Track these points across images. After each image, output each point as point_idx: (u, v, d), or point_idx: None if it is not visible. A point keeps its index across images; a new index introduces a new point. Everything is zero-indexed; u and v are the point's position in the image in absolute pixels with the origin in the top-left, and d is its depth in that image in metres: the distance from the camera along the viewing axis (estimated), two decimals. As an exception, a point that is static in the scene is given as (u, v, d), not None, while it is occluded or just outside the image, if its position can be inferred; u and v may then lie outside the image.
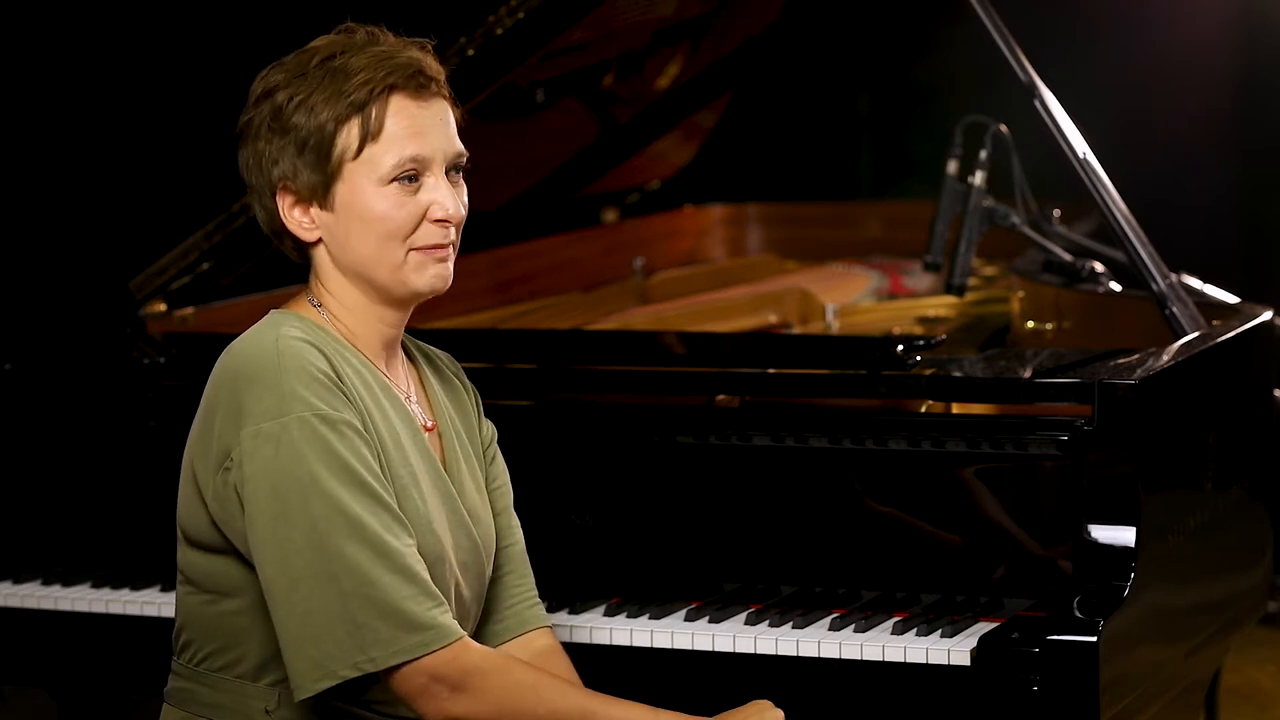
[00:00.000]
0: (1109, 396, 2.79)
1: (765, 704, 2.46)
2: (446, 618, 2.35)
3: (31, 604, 3.22)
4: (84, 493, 3.34)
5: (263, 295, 3.75)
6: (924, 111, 6.37)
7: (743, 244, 5.10)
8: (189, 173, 5.13)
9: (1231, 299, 3.60)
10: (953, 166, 3.73)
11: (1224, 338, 3.20)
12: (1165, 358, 2.98)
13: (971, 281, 3.91)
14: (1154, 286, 3.29)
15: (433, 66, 2.46)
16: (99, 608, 3.17)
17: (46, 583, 3.26)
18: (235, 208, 3.55)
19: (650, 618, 2.89)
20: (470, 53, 3.48)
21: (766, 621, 2.84)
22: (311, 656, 2.31)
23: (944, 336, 3.20)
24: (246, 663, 2.43)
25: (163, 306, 3.64)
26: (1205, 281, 3.64)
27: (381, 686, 2.39)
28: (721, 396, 3.07)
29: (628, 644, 2.85)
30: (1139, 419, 2.80)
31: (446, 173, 2.46)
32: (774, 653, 2.79)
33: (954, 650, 2.71)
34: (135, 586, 3.19)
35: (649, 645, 2.85)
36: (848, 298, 4.24)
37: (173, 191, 5.13)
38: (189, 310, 3.68)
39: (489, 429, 2.68)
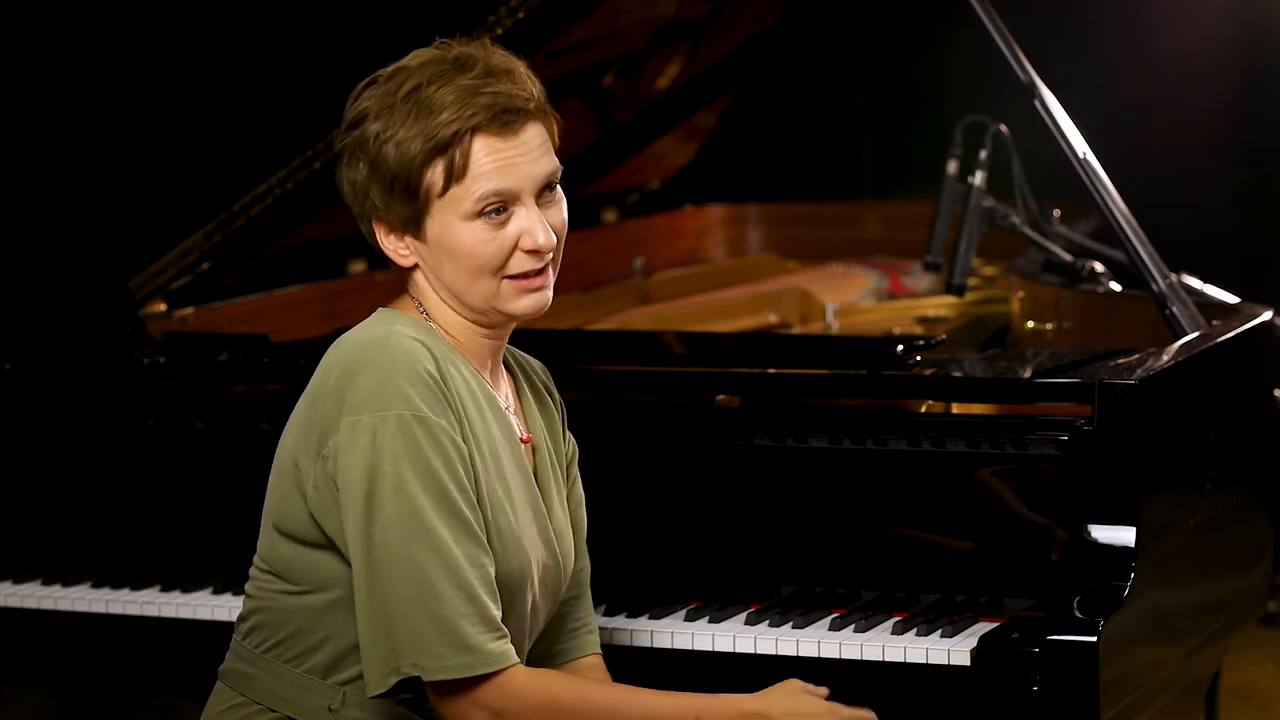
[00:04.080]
0: (1109, 396, 2.79)
1: (797, 683, 2.47)
2: (499, 645, 2.35)
3: (31, 604, 3.22)
4: (84, 493, 3.34)
5: (263, 295, 3.75)
6: (924, 111, 6.37)
7: (743, 244, 5.10)
8: (189, 173, 5.13)
9: (1231, 299, 3.60)
10: (953, 166, 3.73)
11: (1224, 338, 3.20)
12: (1165, 358, 2.98)
13: (971, 281, 3.91)
14: (1154, 286, 3.29)
15: (520, 96, 2.43)
16: (99, 608, 3.17)
17: (46, 583, 3.26)
18: (235, 208, 3.55)
19: (650, 618, 2.89)
20: (470, 53, 3.47)
21: (766, 621, 2.84)
22: (378, 644, 2.34)
23: (944, 336, 3.20)
24: (319, 658, 2.44)
25: (163, 306, 3.64)
26: (1205, 281, 3.64)
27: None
28: (721, 396, 3.07)
29: (628, 644, 2.85)
30: (1139, 419, 2.80)
31: (540, 194, 2.45)
32: (774, 653, 2.79)
33: (954, 650, 2.71)
34: (135, 586, 3.19)
35: (649, 645, 2.85)
36: (848, 298, 4.24)
37: (173, 191, 5.13)
38: (189, 310, 3.67)
39: (571, 445, 2.69)
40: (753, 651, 2.80)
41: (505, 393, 2.55)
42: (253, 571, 2.51)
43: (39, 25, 5.21)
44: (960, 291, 3.74)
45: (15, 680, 3.42)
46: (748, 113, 5.14)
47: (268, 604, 2.48)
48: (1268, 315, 3.40)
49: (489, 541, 2.40)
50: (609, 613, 2.93)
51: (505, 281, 2.45)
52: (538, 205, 2.44)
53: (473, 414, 2.43)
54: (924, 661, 2.72)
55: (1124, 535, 2.77)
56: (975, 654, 2.71)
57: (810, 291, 4.14)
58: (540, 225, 2.44)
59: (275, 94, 5.21)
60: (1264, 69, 5.98)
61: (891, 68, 6.55)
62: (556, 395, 2.68)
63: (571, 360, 3.22)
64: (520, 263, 2.44)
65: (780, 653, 2.79)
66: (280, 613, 2.46)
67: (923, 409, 3.01)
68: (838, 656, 2.76)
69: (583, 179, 4.52)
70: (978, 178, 3.69)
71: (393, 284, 4.04)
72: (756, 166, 6.33)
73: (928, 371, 2.97)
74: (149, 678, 3.22)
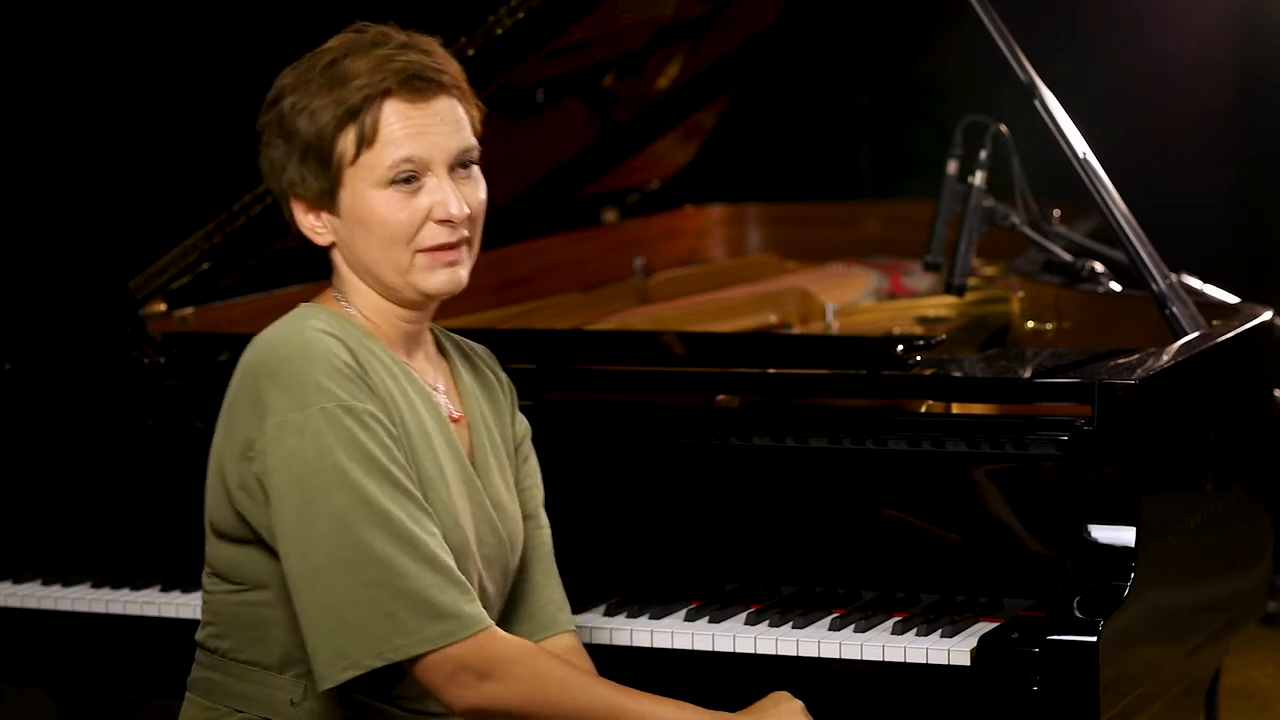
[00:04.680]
0: (1109, 396, 2.79)
1: (784, 695, 2.48)
2: (473, 606, 2.36)
3: (31, 604, 3.22)
4: (84, 493, 3.34)
5: (263, 295, 3.75)
6: (924, 111, 6.37)
7: (743, 244, 5.10)
8: (189, 173, 5.13)
9: (1231, 299, 3.60)
10: (953, 166, 3.73)
11: (1224, 338, 3.20)
12: (1165, 358, 2.98)
13: (971, 281, 3.91)
14: (1154, 286, 3.29)
15: (432, 67, 2.45)
16: (99, 608, 3.17)
17: (46, 583, 3.26)
18: (235, 208, 3.55)
19: (650, 618, 2.89)
20: (470, 53, 3.47)
21: (766, 621, 2.84)
22: (336, 646, 2.32)
23: (944, 336, 3.20)
24: (272, 654, 2.44)
25: (163, 306, 3.64)
26: (1205, 281, 3.64)
27: (408, 681, 2.40)
28: (721, 396, 3.07)
29: (628, 644, 2.85)
30: (1139, 419, 2.80)
31: (454, 169, 2.46)
32: (774, 653, 2.79)
33: (954, 650, 2.71)
34: (135, 586, 3.19)
35: (649, 645, 2.85)
36: (848, 298, 4.24)
37: (173, 191, 5.13)
38: (189, 310, 3.67)
39: (523, 425, 2.69)
40: (753, 651, 2.80)
41: (430, 374, 2.55)
42: (204, 577, 2.52)
43: (39, 25, 5.21)
44: (960, 291, 3.74)
45: (15, 680, 3.42)
46: (748, 113, 5.14)
47: (218, 607, 2.48)
48: (1268, 315, 3.40)
49: None
50: (609, 613, 2.93)
51: (418, 255, 2.45)
52: (453, 180, 2.45)
53: (396, 396, 2.44)
54: (924, 661, 2.72)
55: (1124, 535, 2.77)
56: (975, 654, 2.71)
57: (810, 291, 4.14)
58: (453, 196, 2.44)
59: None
60: (1264, 69, 5.99)
61: (891, 68, 6.55)
62: (503, 377, 2.69)
63: (571, 360, 3.22)
64: (432, 234, 2.45)
65: (780, 653, 2.79)
66: (230, 614, 2.47)
67: (923, 409, 3.01)
68: (838, 656, 2.76)
69: (583, 179, 4.52)
70: (978, 178, 3.69)
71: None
72: (756, 166, 6.33)
73: (928, 371, 2.97)
74: (149, 678, 3.22)
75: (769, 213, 5.14)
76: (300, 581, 2.34)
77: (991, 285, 4.30)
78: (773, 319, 4.07)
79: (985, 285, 4.29)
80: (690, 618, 2.88)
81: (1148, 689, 2.86)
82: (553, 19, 3.54)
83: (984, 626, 2.78)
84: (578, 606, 2.93)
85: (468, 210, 2.46)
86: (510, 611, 2.63)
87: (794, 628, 2.82)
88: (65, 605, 3.19)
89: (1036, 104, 3.35)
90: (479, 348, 2.69)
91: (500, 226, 4.35)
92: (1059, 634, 2.67)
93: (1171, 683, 3.00)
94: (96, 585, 3.23)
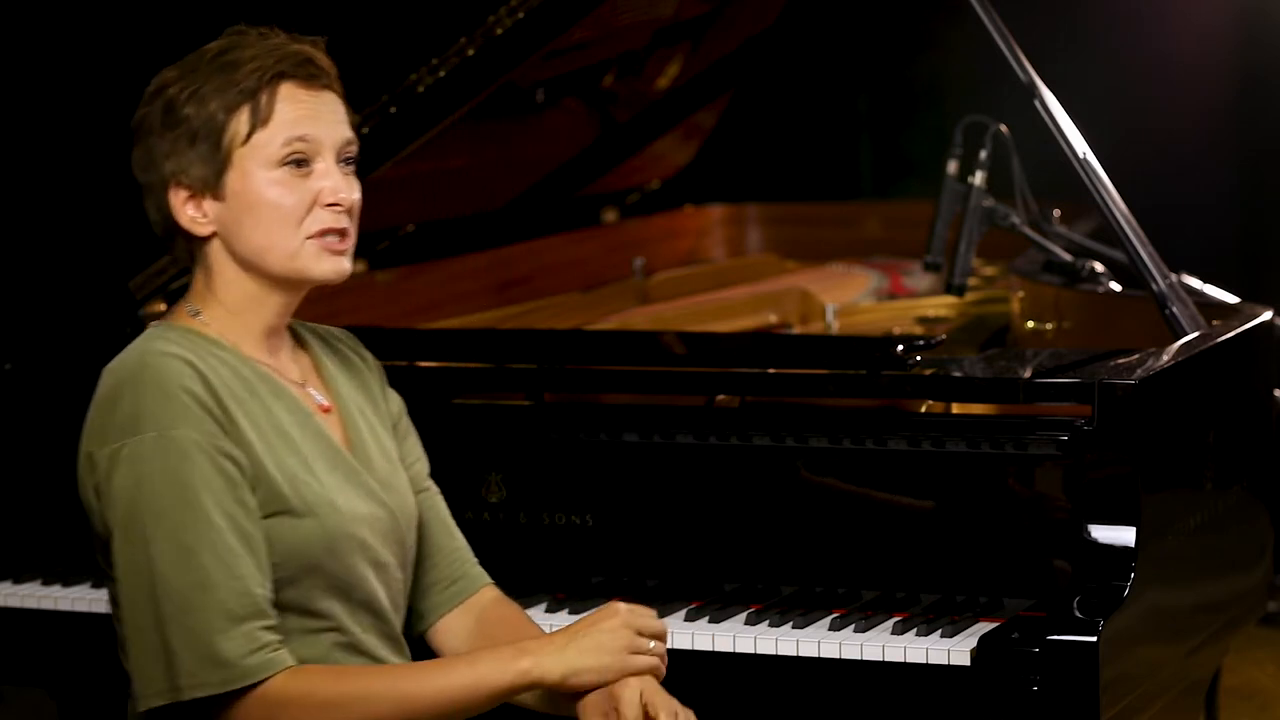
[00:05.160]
0: (1109, 396, 2.79)
1: (612, 608, 2.44)
2: (255, 659, 2.34)
3: (31, 604, 3.22)
4: (84, 493, 3.33)
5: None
6: (924, 111, 6.37)
7: (743, 244, 5.10)
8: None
9: (1231, 299, 3.60)
10: (953, 166, 3.73)
11: (1224, 338, 3.20)
12: (1165, 358, 2.98)
13: (971, 281, 3.91)
14: (1154, 286, 3.29)
15: (323, 59, 2.49)
16: (99, 608, 3.17)
17: (46, 583, 3.26)
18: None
19: (650, 618, 2.89)
20: (470, 53, 3.48)
21: (766, 621, 2.84)
22: (136, 675, 2.36)
23: (944, 336, 3.20)
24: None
25: (163, 306, 3.64)
26: (1205, 281, 3.64)
27: None
28: (721, 396, 3.07)
29: (628, 644, 2.84)
30: (1139, 419, 2.80)
31: (339, 162, 2.47)
32: (774, 653, 2.79)
33: (954, 650, 2.71)
34: (135, 586, 3.19)
35: (649, 645, 2.84)
36: (848, 298, 4.24)
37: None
38: (189, 310, 3.67)
39: (396, 402, 2.68)
40: (753, 651, 2.80)
41: (293, 369, 2.54)
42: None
43: (39, 25, 5.21)
44: (960, 291, 3.74)
45: (15, 680, 3.42)
46: (748, 113, 5.14)
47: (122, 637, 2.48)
48: (1268, 315, 3.40)
49: (298, 517, 2.41)
50: (609, 613, 2.92)
51: (307, 241, 2.45)
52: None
53: (247, 404, 2.43)
54: (924, 661, 2.72)
55: (1124, 535, 2.77)
56: (975, 654, 2.71)
57: (810, 291, 4.14)
58: (343, 181, 2.46)
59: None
60: (1264, 69, 5.99)
61: (891, 68, 6.55)
62: (369, 357, 2.68)
63: (571, 360, 3.22)
64: (320, 219, 2.45)
65: (780, 653, 2.79)
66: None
67: (923, 409, 3.01)
68: (838, 656, 2.76)
69: (583, 179, 4.52)
70: (978, 178, 3.69)
71: (393, 284, 4.07)
72: (756, 166, 6.33)
73: (928, 371, 2.97)
74: (149, 678, 3.21)
75: (769, 213, 5.14)
76: (120, 609, 2.37)
77: (991, 285, 4.30)
78: (773, 319, 4.07)
79: (985, 285, 4.29)
80: (690, 618, 2.88)
81: (1148, 689, 2.86)
82: (553, 19, 3.55)
83: (984, 626, 2.78)
84: (578, 607, 2.93)
85: (356, 196, 2.48)
86: (428, 581, 2.63)
87: (794, 628, 2.82)
88: (65, 605, 3.19)
89: (1036, 104, 3.35)
90: (338, 332, 2.68)
91: (500, 226, 4.36)
92: (1059, 634, 2.67)
93: (1171, 683, 3.00)
94: (96, 585, 3.22)
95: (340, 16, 5.49)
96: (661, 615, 2.89)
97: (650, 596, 2.97)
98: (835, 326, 3.91)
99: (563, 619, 2.89)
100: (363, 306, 3.97)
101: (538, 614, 2.93)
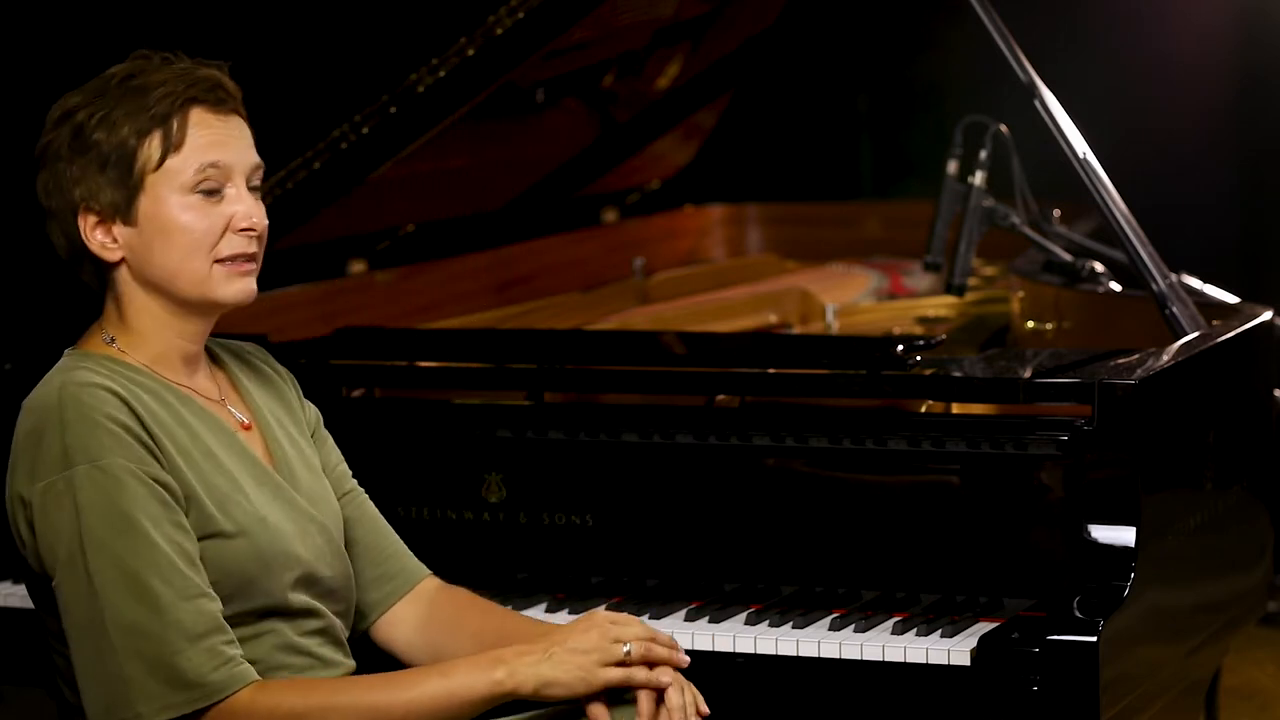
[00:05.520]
0: (1109, 396, 2.79)
1: (593, 616, 2.45)
2: (219, 674, 2.33)
3: (31, 604, 3.21)
4: (84, 493, 3.33)
5: (263, 295, 3.74)
6: (924, 111, 6.37)
7: (743, 244, 5.10)
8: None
9: (1231, 299, 3.60)
10: (953, 166, 3.73)
11: (1224, 338, 3.20)
12: (1165, 358, 2.98)
13: (971, 281, 3.91)
14: (1154, 286, 3.29)
15: (230, 84, 2.49)
16: (99, 608, 3.16)
17: (46, 583, 3.26)
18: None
19: (650, 618, 2.89)
20: (470, 53, 3.48)
21: (766, 621, 2.84)
22: (94, 707, 2.34)
23: (944, 336, 3.20)
24: None
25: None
26: (1205, 281, 3.64)
27: None
28: (721, 396, 3.07)
29: (628, 644, 2.84)
30: (1139, 419, 2.80)
31: (248, 188, 2.48)
32: (774, 653, 2.79)
33: (954, 650, 2.71)
34: (135, 586, 3.19)
35: (649, 645, 2.84)
36: (848, 298, 4.24)
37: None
38: (189, 310, 3.66)
39: (312, 412, 2.69)
40: (753, 651, 2.80)
41: (211, 389, 2.54)
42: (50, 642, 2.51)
43: (39, 26, 5.21)
44: (960, 291, 3.74)
45: (15, 680, 3.42)
46: (748, 113, 5.14)
47: (63, 669, 2.47)
48: (1268, 315, 3.40)
49: (228, 537, 2.40)
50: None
51: (216, 266, 2.45)
52: None
53: (173, 429, 2.42)
54: (924, 661, 2.72)
55: (1124, 535, 2.77)
56: (975, 654, 2.71)
57: (810, 291, 4.14)
58: (255, 205, 2.47)
59: (273, 95, 5.20)
60: (1264, 69, 5.98)
61: (891, 68, 6.55)
62: (281, 369, 2.69)
63: (571, 360, 3.22)
64: (232, 244, 2.45)
65: (780, 653, 2.79)
66: (71, 675, 2.43)
67: (923, 409, 3.01)
68: (838, 656, 2.76)
69: (583, 179, 4.52)
70: (978, 178, 3.69)
71: (393, 284, 4.07)
72: (756, 166, 6.33)
73: (928, 371, 2.97)
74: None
75: (769, 213, 5.14)
76: (69, 639, 2.36)
77: (991, 285, 4.30)
78: (773, 319, 4.07)
79: (985, 285, 4.29)
80: (690, 618, 2.88)
81: (1148, 689, 2.86)
82: (553, 19, 3.55)
83: (984, 626, 2.78)
84: (578, 606, 2.93)
85: (265, 222, 2.49)
86: (366, 579, 2.63)
87: (794, 628, 2.82)
88: (65, 605, 3.19)
89: (1036, 104, 3.35)
90: (249, 346, 2.69)
91: (500, 226, 4.36)
92: (1059, 634, 2.67)
93: (1171, 683, 3.00)
94: (96, 585, 3.22)
95: (341, 16, 5.50)
96: (661, 615, 2.89)
97: (650, 596, 2.97)
98: (835, 326, 3.91)
99: (563, 619, 2.89)
100: (363, 306, 3.97)
101: (538, 614, 2.93)
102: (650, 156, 4.68)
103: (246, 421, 2.55)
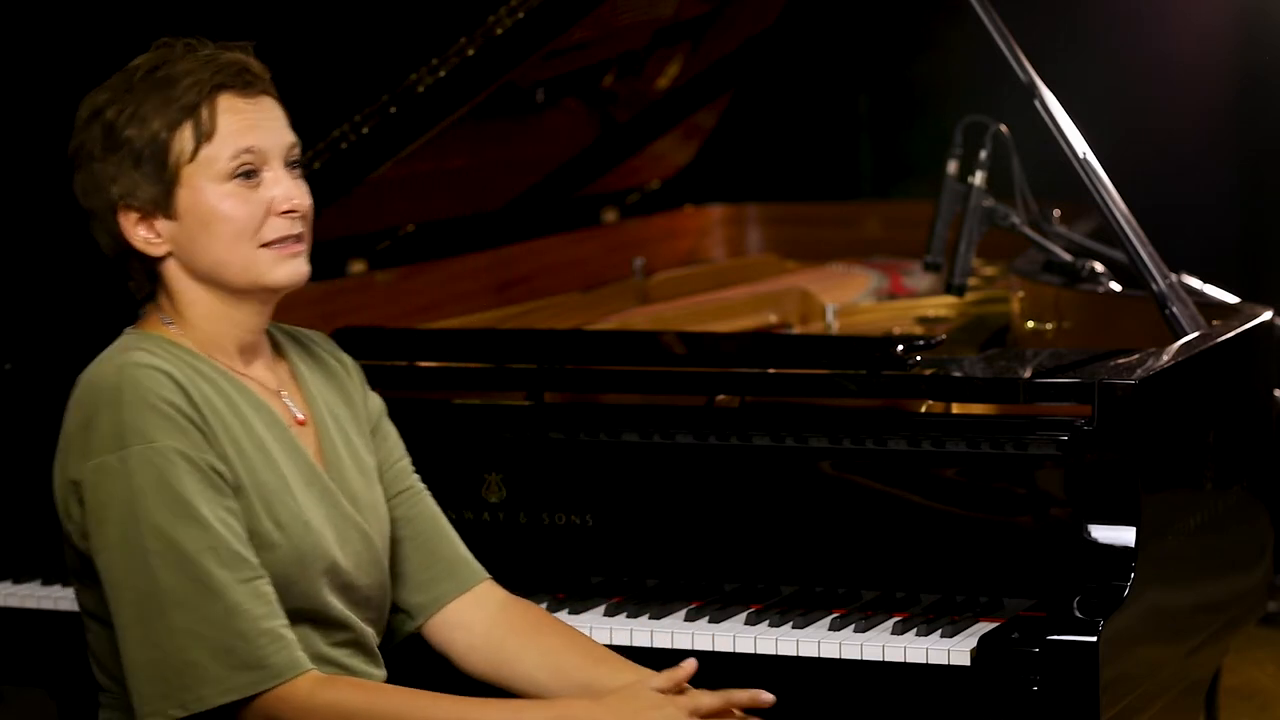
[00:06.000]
0: (1109, 396, 2.79)
1: (646, 691, 2.41)
2: (280, 656, 2.33)
3: (31, 604, 3.22)
4: (84, 493, 3.33)
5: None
6: (924, 111, 6.37)
7: (743, 244, 5.10)
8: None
9: (1231, 299, 3.60)
10: (953, 166, 3.73)
11: (1224, 338, 3.20)
12: (1165, 358, 2.98)
13: (971, 281, 3.91)
14: (1154, 286, 3.29)
15: (257, 65, 2.47)
16: (99, 608, 3.17)
17: (46, 583, 3.26)
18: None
19: (650, 618, 2.89)
20: (470, 53, 3.48)
21: (766, 621, 2.84)
22: (143, 691, 2.32)
23: (944, 336, 3.20)
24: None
25: (163, 306, 3.64)
26: (1205, 281, 3.64)
27: None
28: (721, 396, 3.07)
29: (628, 644, 2.85)
30: (1139, 419, 2.80)
31: (285, 167, 2.45)
32: (774, 653, 2.79)
33: (954, 650, 2.71)
34: (135, 586, 3.19)
35: (649, 645, 2.84)
36: (848, 298, 4.24)
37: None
38: (189, 310, 3.67)
39: (376, 403, 2.67)
40: (753, 651, 2.80)
41: (270, 379, 2.52)
42: (83, 619, 2.49)
43: (39, 26, 5.21)
44: (960, 291, 3.74)
45: (15, 680, 3.42)
46: (748, 113, 5.14)
47: (97, 647, 2.46)
48: (1268, 315, 3.40)
49: (269, 535, 2.39)
50: (609, 613, 2.93)
51: (263, 250, 2.43)
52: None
53: (227, 419, 2.41)
54: (924, 661, 2.72)
55: (1124, 535, 2.77)
56: (975, 654, 2.71)
57: (810, 291, 4.14)
58: (294, 186, 2.44)
59: (280, 95, 5.20)
60: (1264, 69, 5.98)
61: (891, 68, 6.55)
62: (345, 359, 2.66)
63: (571, 360, 3.22)
64: (276, 227, 2.43)
65: (780, 653, 2.79)
66: (110, 653, 2.43)
67: (923, 409, 3.01)
68: (838, 656, 2.76)
69: (583, 179, 4.52)
70: (978, 178, 3.69)
71: (393, 284, 4.07)
72: (756, 166, 6.33)
73: (928, 371, 2.97)
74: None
75: (769, 213, 5.14)
76: (117, 624, 2.34)
77: (991, 285, 4.30)
78: (773, 319, 4.07)
79: (985, 285, 4.29)
80: (690, 618, 2.88)
81: (1148, 689, 2.86)
82: (553, 19, 3.55)
83: (984, 626, 2.78)
84: (578, 606, 2.93)
85: (309, 201, 2.46)
86: (418, 582, 2.61)
87: (794, 628, 2.82)
88: (65, 605, 3.19)
89: (1036, 104, 3.35)
90: (314, 334, 2.66)
91: (500, 226, 4.36)
92: (1059, 634, 2.67)
93: (1171, 683, 3.00)
94: (96, 585, 3.22)
95: (341, 16, 5.49)
96: (661, 615, 2.89)
97: (650, 596, 2.97)
98: (835, 326, 3.91)
99: (563, 618, 2.89)
100: (363, 306, 3.97)
101: (538, 614, 2.93)
102: (650, 156, 4.68)
103: (302, 417, 2.53)
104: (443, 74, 3.57)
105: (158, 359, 2.39)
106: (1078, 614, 2.70)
